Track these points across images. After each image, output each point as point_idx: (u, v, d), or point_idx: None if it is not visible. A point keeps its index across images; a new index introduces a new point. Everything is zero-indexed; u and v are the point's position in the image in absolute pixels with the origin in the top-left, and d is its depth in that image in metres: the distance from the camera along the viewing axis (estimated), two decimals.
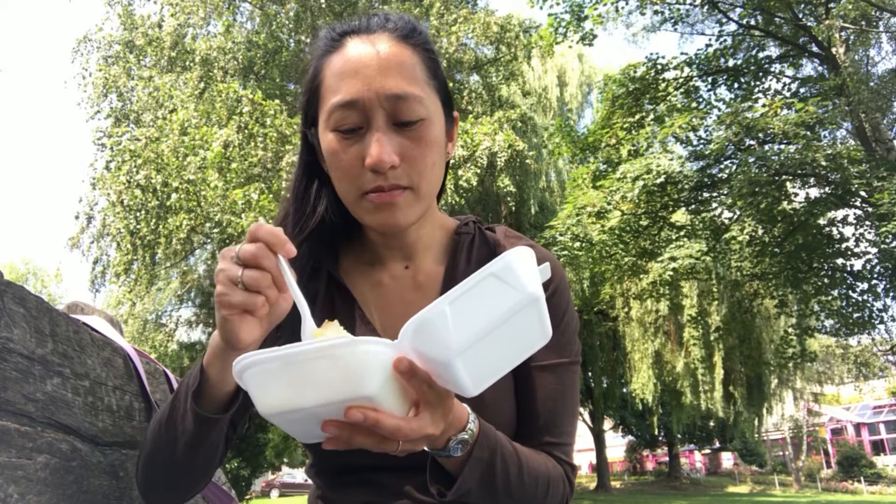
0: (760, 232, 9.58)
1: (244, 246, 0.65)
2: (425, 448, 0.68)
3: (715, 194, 9.48)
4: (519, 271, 0.60)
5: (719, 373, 15.84)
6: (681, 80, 9.97)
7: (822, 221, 9.18)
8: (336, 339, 0.56)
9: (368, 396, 0.56)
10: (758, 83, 9.90)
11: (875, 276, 9.14)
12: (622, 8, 9.84)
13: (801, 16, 9.89)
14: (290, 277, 0.66)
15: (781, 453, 33.17)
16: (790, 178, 8.46)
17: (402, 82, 0.77)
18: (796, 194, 9.17)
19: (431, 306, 0.58)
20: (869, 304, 9.33)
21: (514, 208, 13.54)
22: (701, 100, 10.04)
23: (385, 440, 0.60)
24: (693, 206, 9.58)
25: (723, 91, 10.15)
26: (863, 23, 10.10)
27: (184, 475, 0.77)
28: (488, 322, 0.58)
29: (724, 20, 10.28)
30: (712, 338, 13.61)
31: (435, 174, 0.83)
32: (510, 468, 0.74)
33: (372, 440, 0.60)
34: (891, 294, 9.09)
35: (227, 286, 0.64)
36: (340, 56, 0.80)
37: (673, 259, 8.94)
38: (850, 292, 9.44)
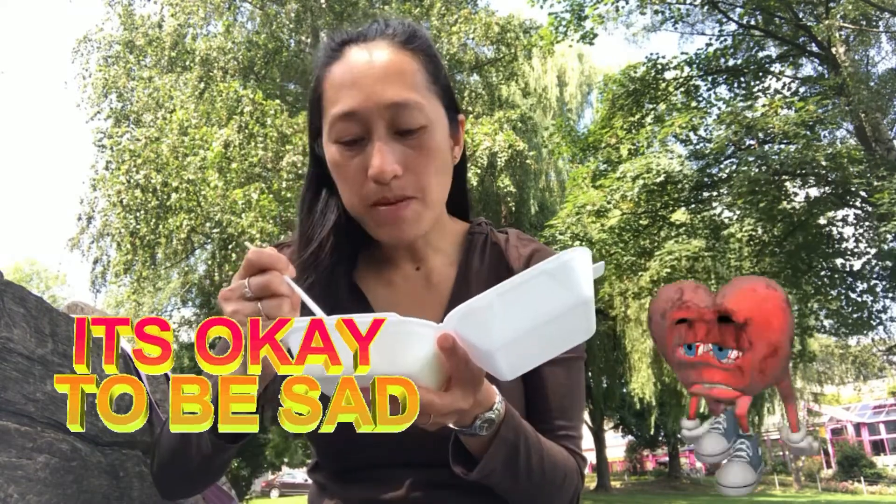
0: (760, 231, 9.57)
1: (254, 279, 0.64)
2: (451, 425, 0.69)
3: (715, 194, 9.48)
4: (574, 272, 0.59)
5: None
6: (681, 80, 9.96)
7: (821, 221, 9.17)
8: (383, 316, 0.56)
9: (408, 374, 0.57)
10: (758, 83, 9.90)
11: (874, 276, 9.13)
12: (622, 8, 9.83)
13: (800, 15, 9.88)
14: (301, 292, 0.65)
15: (781, 453, 33.15)
16: (790, 177, 8.46)
17: (401, 90, 0.77)
18: (796, 194, 9.17)
19: (480, 296, 0.58)
20: (868, 305, 9.33)
21: (514, 208, 13.54)
22: (701, 99, 10.04)
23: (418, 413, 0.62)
24: (693, 206, 9.58)
25: (723, 90, 10.15)
26: (863, 23, 10.08)
27: (201, 477, 0.80)
28: (534, 319, 0.58)
29: (724, 20, 10.28)
30: None
31: (441, 180, 0.83)
32: (532, 452, 0.75)
33: None
34: (890, 294, 9.09)
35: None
36: (339, 66, 0.80)
37: (670, 252, 8.90)
38: (849, 292, 9.43)
